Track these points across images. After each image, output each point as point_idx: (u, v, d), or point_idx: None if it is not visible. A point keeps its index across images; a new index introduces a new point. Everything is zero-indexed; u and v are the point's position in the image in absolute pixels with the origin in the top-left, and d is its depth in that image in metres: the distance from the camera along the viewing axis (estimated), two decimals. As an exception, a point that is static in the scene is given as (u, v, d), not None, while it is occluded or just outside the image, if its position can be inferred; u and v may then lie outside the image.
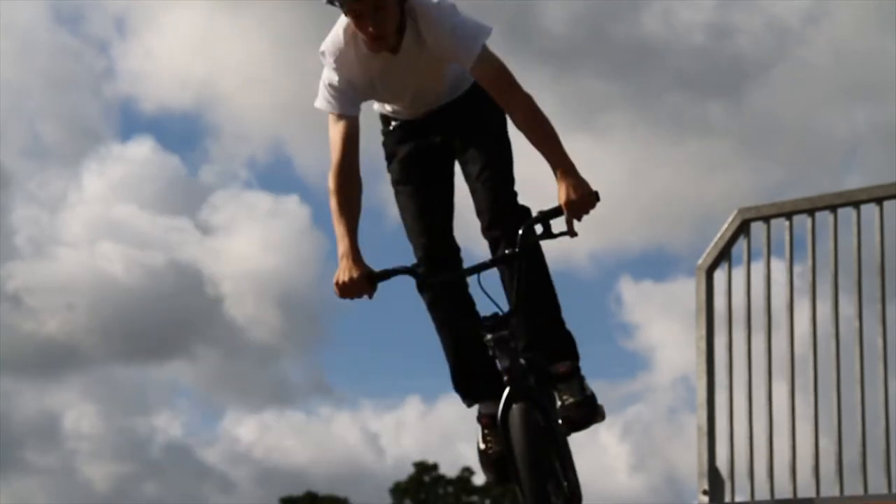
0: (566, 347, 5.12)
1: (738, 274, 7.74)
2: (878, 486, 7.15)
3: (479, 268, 4.73)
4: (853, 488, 7.23)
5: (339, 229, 4.76)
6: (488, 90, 4.85)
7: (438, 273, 4.83)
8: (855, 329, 7.36)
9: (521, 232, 4.63)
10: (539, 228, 4.67)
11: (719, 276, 7.77)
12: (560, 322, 5.10)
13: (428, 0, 4.82)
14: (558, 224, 4.67)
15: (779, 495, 7.41)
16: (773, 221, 7.67)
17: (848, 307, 7.43)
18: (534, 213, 4.74)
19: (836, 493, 7.26)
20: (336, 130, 4.90)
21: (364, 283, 4.64)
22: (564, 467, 4.73)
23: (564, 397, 5.03)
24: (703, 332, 7.73)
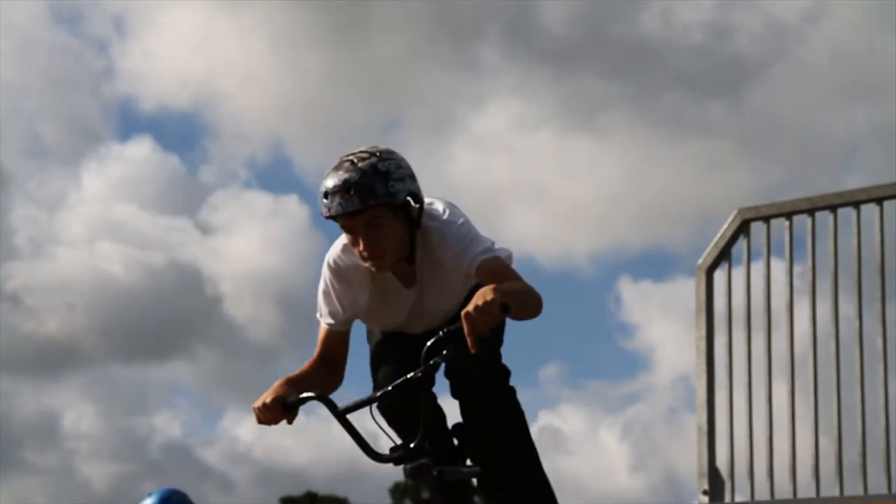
0: None
1: (738, 274, 7.75)
2: (878, 486, 7.15)
3: (373, 399, 4.39)
4: (853, 488, 7.23)
5: (297, 373, 4.58)
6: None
7: (354, 407, 4.42)
8: (855, 329, 7.36)
9: (424, 350, 4.16)
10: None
11: (719, 276, 7.78)
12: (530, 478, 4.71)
13: (438, 220, 4.46)
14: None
15: (779, 495, 7.41)
16: (773, 221, 7.67)
17: (848, 307, 7.44)
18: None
19: (836, 493, 7.26)
20: (325, 334, 4.64)
21: (279, 409, 4.43)
22: None
23: None
24: (703, 332, 7.74)
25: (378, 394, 4.36)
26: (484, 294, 4.04)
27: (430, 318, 4.67)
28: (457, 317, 4.18)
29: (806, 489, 7.37)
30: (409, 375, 4.26)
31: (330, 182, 4.31)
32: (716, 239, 7.75)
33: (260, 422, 4.49)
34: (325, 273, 4.60)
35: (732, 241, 7.73)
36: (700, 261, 7.80)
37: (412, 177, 4.41)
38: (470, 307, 4.02)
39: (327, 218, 4.35)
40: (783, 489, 7.41)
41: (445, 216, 4.50)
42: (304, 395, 4.44)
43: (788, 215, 7.63)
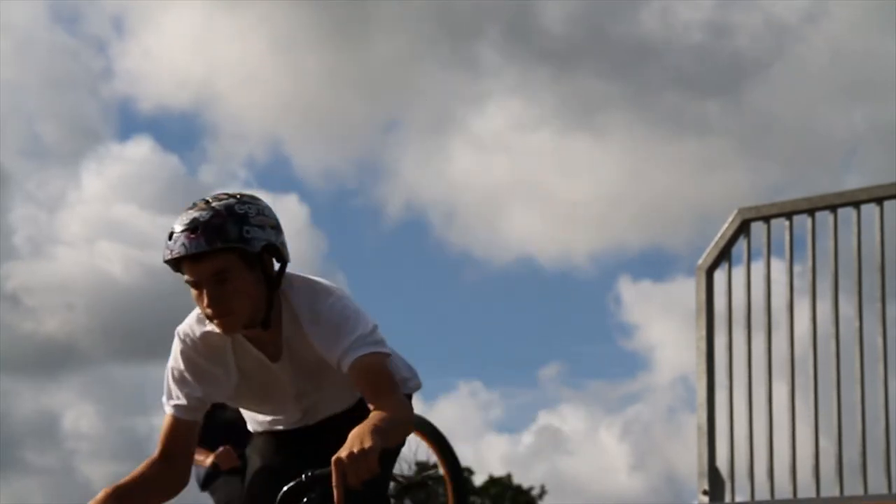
0: None
1: (738, 274, 7.75)
2: (878, 486, 7.14)
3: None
4: (853, 488, 7.23)
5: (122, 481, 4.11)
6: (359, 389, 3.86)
7: None
8: (855, 329, 7.36)
9: (279, 496, 3.64)
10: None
11: (719, 276, 7.77)
12: None
13: (312, 290, 3.93)
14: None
15: (779, 495, 7.40)
16: (773, 221, 7.67)
17: (848, 307, 7.44)
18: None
19: (836, 493, 7.26)
20: (171, 425, 4.06)
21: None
22: None
23: None
24: (704, 332, 7.73)
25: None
26: (361, 438, 3.44)
27: (318, 405, 4.11)
28: (353, 409, 3.86)
29: (806, 489, 7.37)
30: None
31: (177, 222, 3.79)
32: (716, 239, 7.75)
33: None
34: (176, 348, 3.97)
35: (733, 241, 7.73)
36: (700, 261, 7.80)
37: (276, 228, 3.92)
38: (343, 452, 3.40)
39: (167, 262, 3.78)
40: (783, 489, 7.41)
41: (322, 290, 3.92)
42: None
43: (788, 215, 7.63)
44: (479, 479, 51.06)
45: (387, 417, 3.62)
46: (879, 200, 7.39)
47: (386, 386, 3.79)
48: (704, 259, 7.78)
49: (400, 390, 3.89)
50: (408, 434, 3.87)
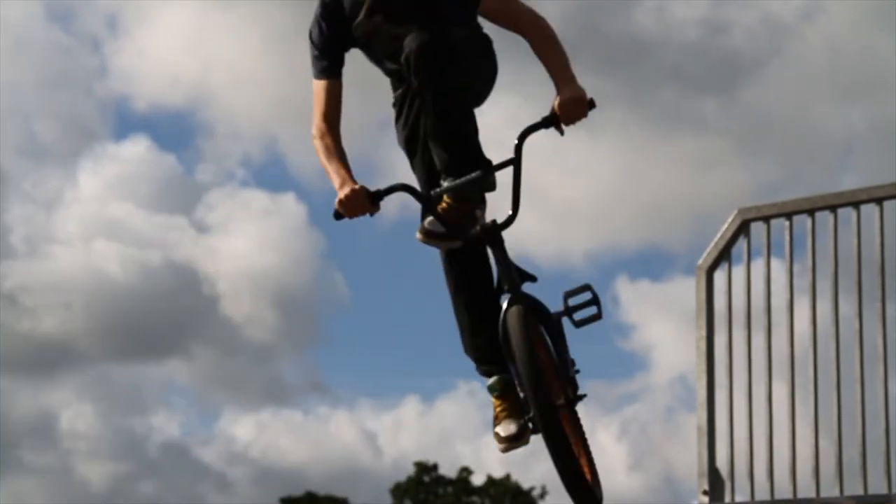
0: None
1: (738, 274, 7.74)
2: (878, 486, 7.14)
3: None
4: (853, 488, 7.23)
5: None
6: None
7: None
8: (855, 329, 7.36)
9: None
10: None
11: (719, 276, 7.77)
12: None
13: None
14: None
15: (779, 495, 7.40)
16: (773, 221, 7.67)
17: (848, 307, 7.43)
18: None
19: (836, 493, 7.26)
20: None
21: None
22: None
23: None
24: (704, 332, 7.73)
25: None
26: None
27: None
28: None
29: (806, 489, 7.36)
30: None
31: None
32: (716, 239, 7.75)
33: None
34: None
35: (732, 241, 7.73)
36: (700, 261, 7.80)
37: None
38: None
39: None
40: (783, 489, 7.41)
41: None
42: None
43: (788, 215, 7.63)
44: (479, 479, 51.02)
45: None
46: (879, 200, 7.39)
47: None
48: (704, 259, 7.78)
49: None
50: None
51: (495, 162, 4.81)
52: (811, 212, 7.58)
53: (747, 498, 7.50)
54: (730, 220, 7.72)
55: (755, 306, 7.67)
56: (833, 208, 7.54)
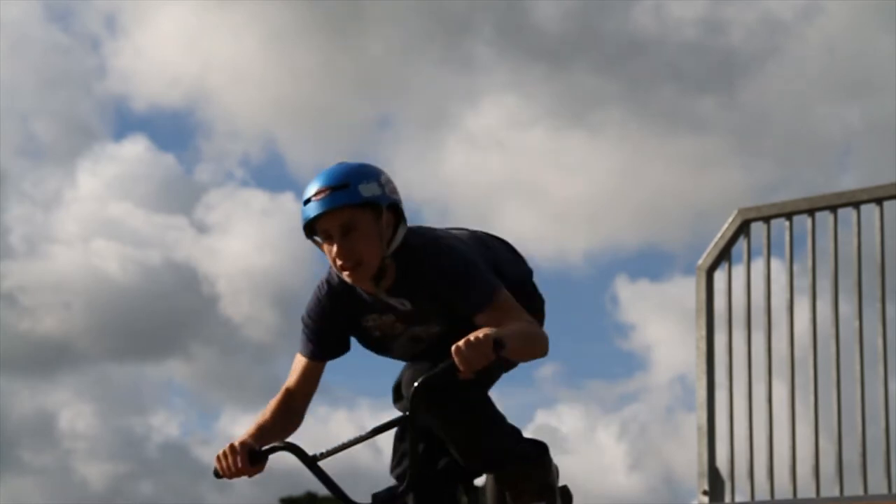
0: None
1: (738, 274, 7.74)
2: (878, 486, 7.14)
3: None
4: (853, 488, 7.23)
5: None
6: None
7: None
8: (855, 329, 7.36)
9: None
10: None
11: (719, 276, 7.77)
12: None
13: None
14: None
15: (779, 495, 7.40)
16: (773, 221, 7.67)
17: (848, 307, 7.43)
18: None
19: (836, 493, 7.26)
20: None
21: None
22: None
23: None
24: (704, 332, 7.73)
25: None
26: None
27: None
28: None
29: (806, 489, 7.36)
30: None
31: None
32: (716, 239, 7.75)
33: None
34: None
35: (733, 241, 7.72)
36: (700, 261, 7.79)
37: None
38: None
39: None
40: (783, 489, 7.41)
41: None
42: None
43: (788, 215, 7.63)
44: (479, 479, 51.00)
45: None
46: (879, 200, 7.39)
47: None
48: (704, 259, 7.78)
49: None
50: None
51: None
52: (811, 212, 7.58)
53: (747, 498, 7.50)
54: (730, 220, 7.72)
55: (755, 306, 7.66)
56: (833, 208, 7.53)
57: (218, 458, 4.23)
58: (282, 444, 4.24)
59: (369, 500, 4.22)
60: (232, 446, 4.20)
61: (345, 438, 4.20)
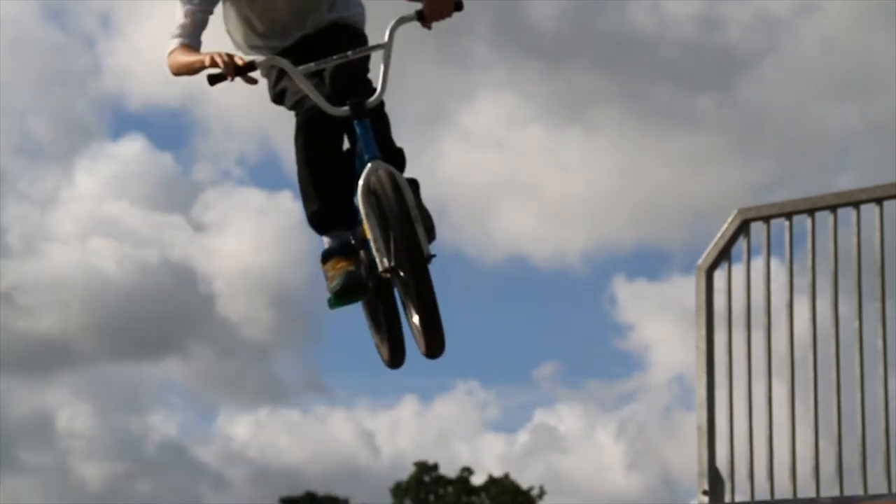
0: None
1: (738, 274, 7.74)
2: (878, 486, 7.14)
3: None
4: (853, 488, 7.23)
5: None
6: None
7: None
8: (855, 329, 7.36)
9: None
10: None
11: (719, 275, 7.77)
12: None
13: None
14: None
15: (779, 495, 7.40)
16: (773, 221, 7.67)
17: (847, 307, 7.44)
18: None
19: (836, 493, 7.26)
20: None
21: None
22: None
23: None
24: (704, 331, 7.73)
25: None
26: None
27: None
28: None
29: (806, 489, 7.37)
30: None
31: None
32: (716, 239, 7.75)
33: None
34: None
35: (732, 241, 7.72)
36: (700, 261, 7.79)
37: None
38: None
39: None
40: (783, 489, 7.41)
41: None
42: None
43: (788, 215, 7.63)
44: (479, 479, 51.03)
45: None
46: (879, 200, 7.40)
47: None
48: (704, 259, 7.77)
49: None
50: None
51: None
52: (811, 212, 7.58)
53: (747, 498, 7.50)
54: (730, 219, 7.72)
55: (755, 306, 7.67)
56: (833, 208, 7.53)
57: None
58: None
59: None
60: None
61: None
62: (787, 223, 7.65)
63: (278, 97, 5.20)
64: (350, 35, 5.19)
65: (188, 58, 4.96)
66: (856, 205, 7.47)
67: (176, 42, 5.05)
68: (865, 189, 7.46)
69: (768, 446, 7.47)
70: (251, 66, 4.88)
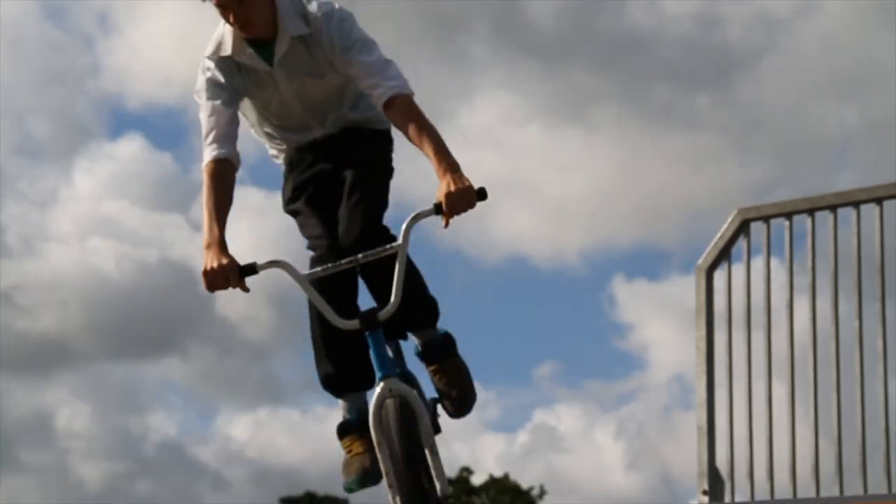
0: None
1: (738, 273, 7.74)
2: (878, 486, 7.14)
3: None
4: (853, 488, 7.23)
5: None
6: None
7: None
8: (855, 329, 7.36)
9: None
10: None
11: (719, 275, 7.77)
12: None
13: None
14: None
15: (779, 495, 7.40)
16: (773, 221, 7.67)
17: (848, 307, 7.44)
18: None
19: (836, 493, 7.26)
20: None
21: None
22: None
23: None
24: (704, 331, 7.73)
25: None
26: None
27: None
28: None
29: (806, 489, 7.37)
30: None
31: None
32: (716, 239, 7.75)
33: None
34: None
35: (732, 240, 7.72)
36: (700, 260, 7.80)
37: None
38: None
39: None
40: (783, 489, 7.41)
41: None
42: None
43: (788, 215, 7.63)
44: (479, 479, 51.03)
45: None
46: (879, 200, 7.40)
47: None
48: (704, 259, 7.78)
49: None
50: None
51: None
52: (811, 212, 7.58)
53: (747, 498, 7.50)
54: (730, 219, 7.72)
55: (755, 306, 7.67)
56: (833, 208, 7.54)
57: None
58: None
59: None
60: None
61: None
62: (787, 223, 7.65)
63: (291, 214, 5.01)
64: (373, 135, 4.95)
65: (205, 212, 4.60)
66: (856, 205, 7.47)
67: (205, 153, 4.69)
68: (865, 189, 7.46)
69: (768, 446, 7.47)
70: (250, 269, 4.47)
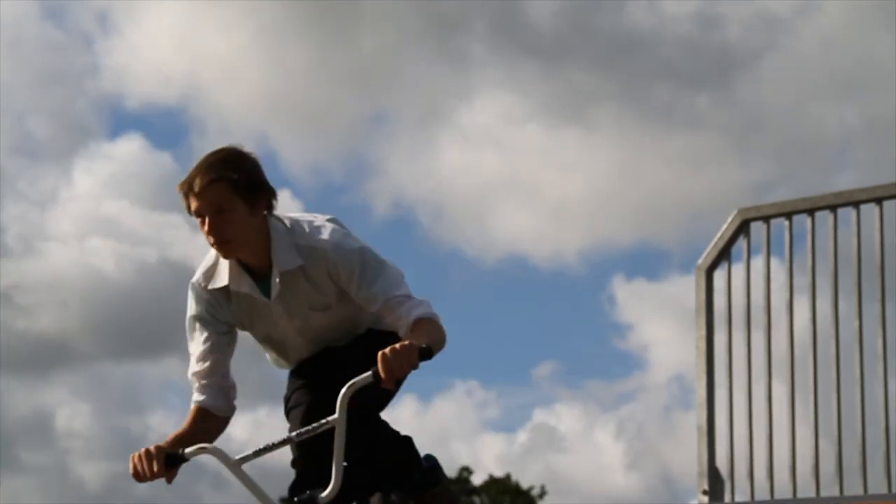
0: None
1: (738, 273, 7.74)
2: (878, 486, 7.14)
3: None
4: (853, 488, 7.23)
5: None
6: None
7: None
8: (855, 329, 7.36)
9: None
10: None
11: (719, 275, 7.78)
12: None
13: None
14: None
15: (779, 495, 7.40)
16: (773, 221, 7.67)
17: (847, 307, 7.44)
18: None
19: (836, 493, 7.26)
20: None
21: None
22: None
23: None
24: (704, 331, 7.73)
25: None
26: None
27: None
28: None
29: (806, 489, 7.37)
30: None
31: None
32: (716, 239, 7.75)
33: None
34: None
35: (732, 240, 7.73)
36: (700, 261, 7.80)
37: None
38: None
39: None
40: (783, 489, 7.41)
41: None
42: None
43: (788, 215, 7.64)
44: (479, 479, 51.04)
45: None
46: (879, 200, 7.40)
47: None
48: (704, 259, 7.78)
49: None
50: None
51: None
52: (811, 211, 7.58)
53: (747, 498, 7.50)
54: (730, 219, 7.72)
55: (755, 306, 7.67)
56: (833, 208, 7.54)
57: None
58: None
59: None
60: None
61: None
62: (787, 223, 7.65)
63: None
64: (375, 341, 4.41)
65: (181, 431, 4.43)
66: (856, 205, 7.47)
67: (192, 388, 4.61)
68: (865, 189, 7.46)
69: (768, 446, 7.47)
70: (179, 458, 4.28)
